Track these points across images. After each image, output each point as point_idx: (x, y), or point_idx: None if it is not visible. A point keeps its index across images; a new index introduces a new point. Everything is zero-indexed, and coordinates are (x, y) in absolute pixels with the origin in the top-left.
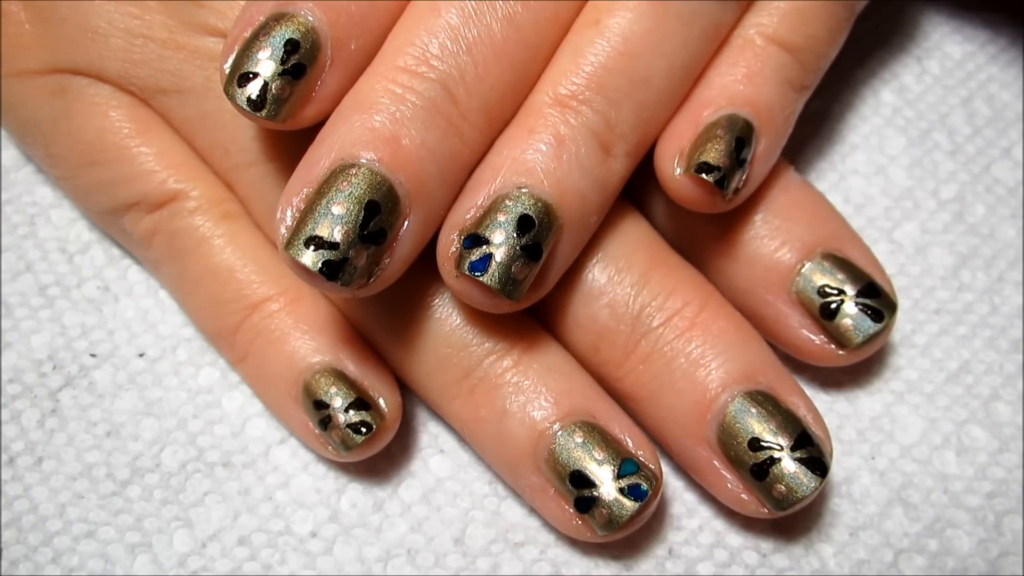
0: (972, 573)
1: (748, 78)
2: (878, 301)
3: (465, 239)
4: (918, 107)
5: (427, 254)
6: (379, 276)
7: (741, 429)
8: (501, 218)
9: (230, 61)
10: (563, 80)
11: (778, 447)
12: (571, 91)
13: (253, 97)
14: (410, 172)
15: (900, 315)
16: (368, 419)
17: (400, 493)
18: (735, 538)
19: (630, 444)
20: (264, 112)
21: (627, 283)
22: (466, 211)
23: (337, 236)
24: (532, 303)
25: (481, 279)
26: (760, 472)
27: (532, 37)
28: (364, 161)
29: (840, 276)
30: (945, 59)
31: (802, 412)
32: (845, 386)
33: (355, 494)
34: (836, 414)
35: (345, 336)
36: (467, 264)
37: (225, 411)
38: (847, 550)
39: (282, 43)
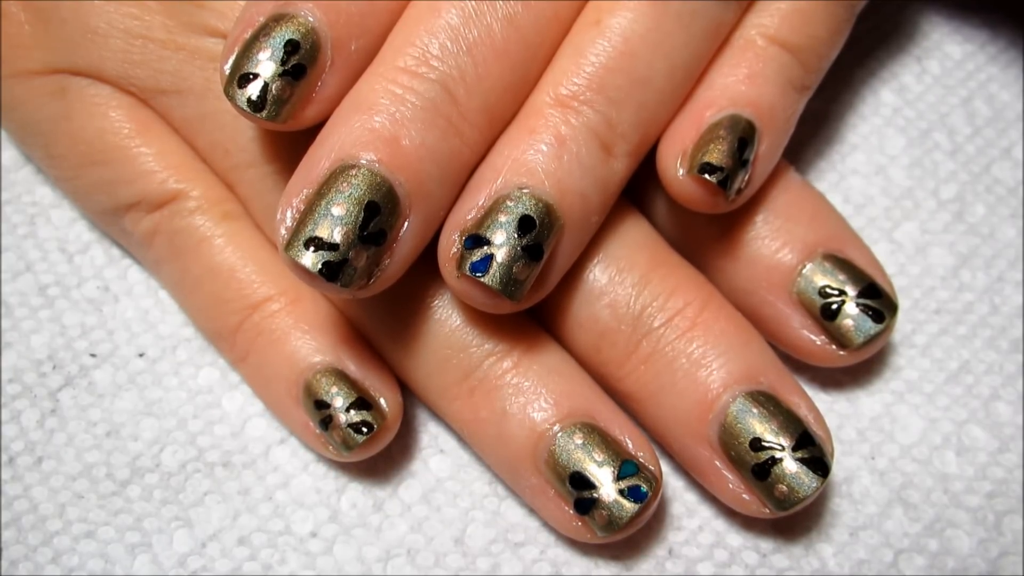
0: (972, 573)
1: (750, 79)
2: (879, 302)
3: (466, 240)
4: (918, 107)
5: (427, 254)
6: (379, 277)
7: (742, 429)
8: (502, 218)
9: (230, 62)
10: (564, 80)
11: (779, 447)
12: (572, 91)
13: (253, 98)
14: (410, 173)
15: (900, 315)
16: (369, 419)
17: (400, 493)
18: (735, 538)
19: (630, 445)
20: (264, 113)
21: (628, 283)
22: (467, 212)
23: (337, 237)
24: (533, 304)
25: (482, 280)
26: (761, 472)
27: (532, 37)
28: (364, 162)
29: (841, 277)
30: (945, 59)
31: (803, 412)
32: (845, 386)
33: (355, 494)
34: (836, 414)
35: (346, 336)
36: (468, 265)
37: (225, 411)
38: (847, 550)
39: (282, 44)
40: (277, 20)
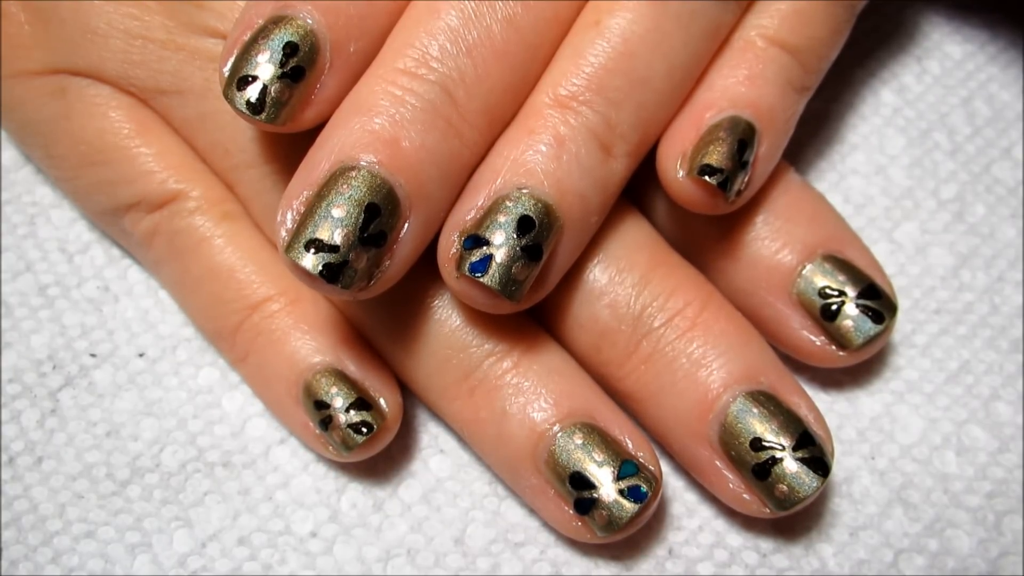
0: (972, 573)
1: (750, 80)
2: (878, 303)
3: (465, 240)
4: (918, 107)
5: (427, 255)
6: (380, 278)
7: (743, 429)
8: (501, 219)
9: (229, 64)
10: (563, 81)
11: (780, 447)
12: (571, 92)
13: (252, 100)
14: (410, 174)
15: (900, 315)
16: (369, 419)
17: (400, 493)
18: (735, 538)
19: (630, 445)
20: (263, 115)
21: (628, 283)
22: (466, 212)
23: (337, 239)
24: (533, 304)
25: (481, 280)
26: (762, 472)
27: (532, 38)
28: (364, 163)
29: (841, 278)
30: (945, 59)
31: (803, 412)
32: (845, 386)
33: (355, 494)
34: (836, 414)
35: (346, 336)
36: (467, 265)
37: (225, 411)
38: (847, 550)
39: (281, 46)
40: (276, 22)
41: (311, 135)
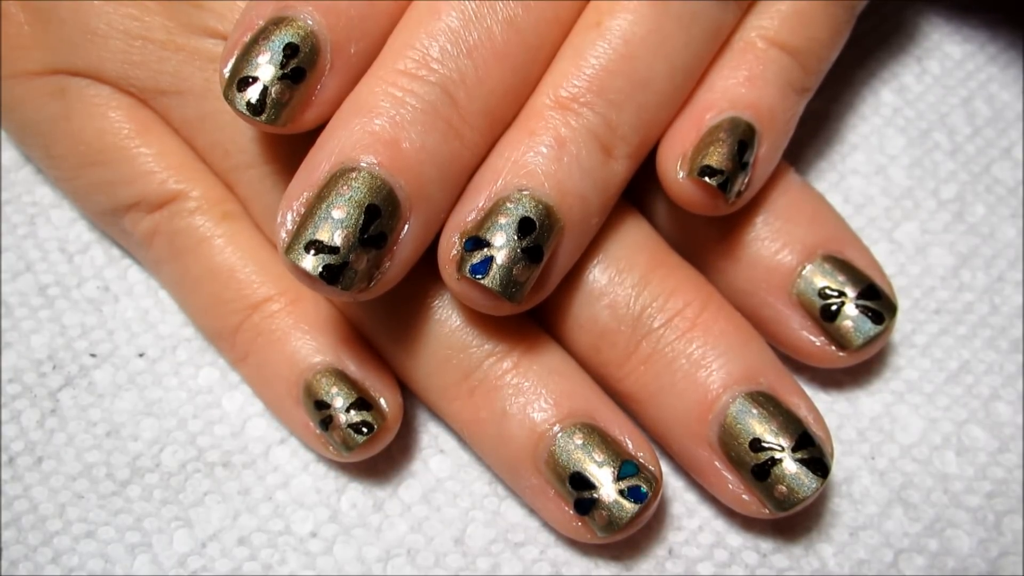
0: (972, 573)
1: (750, 81)
2: (878, 303)
3: (466, 242)
4: (918, 107)
5: (428, 255)
6: (380, 280)
7: (742, 430)
8: (502, 220)
9: (229, 65)
10: (564, 82)
11: (779, 448)
12: (572, 93)
13: (253, 102)
14: (410, 176)
15: (900, 315)
16: (369, 419)
17: (400, 493)
18: (735, 538)
19: (630, 446)
20: (264, 116)
21: (628, 284)
22: (467, 214)
23: (337, 240)
24: (533, 305)
25: (482, 282)
26: (761, 473)
27: (533, 39)
28: (364, 165)
29: (841, 278)
30: (945, 59)
31: (803, 412)
32: (845, 386)
33: (355, 494)
34: (836, 414)
35: (346, 336)
36: (468, 267)
37: (225, 411)
38: (847, 550)
39: (281, 47)
40: (276, 23)
41: (311, 136)
